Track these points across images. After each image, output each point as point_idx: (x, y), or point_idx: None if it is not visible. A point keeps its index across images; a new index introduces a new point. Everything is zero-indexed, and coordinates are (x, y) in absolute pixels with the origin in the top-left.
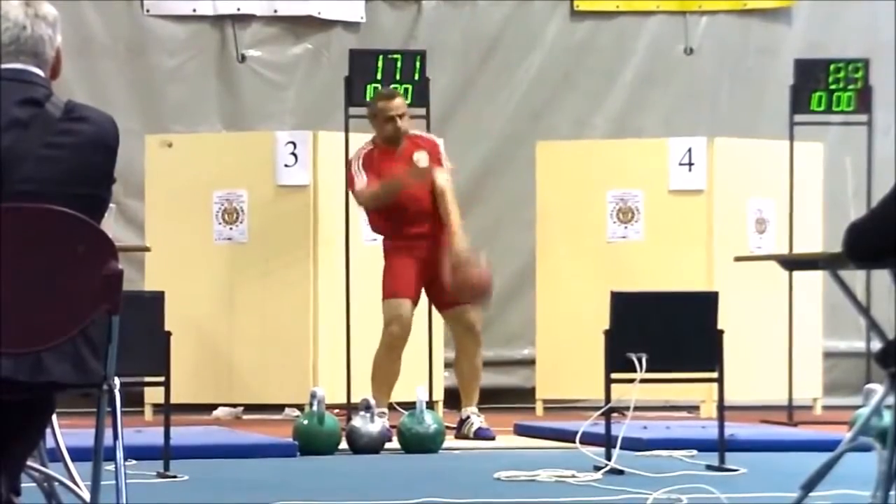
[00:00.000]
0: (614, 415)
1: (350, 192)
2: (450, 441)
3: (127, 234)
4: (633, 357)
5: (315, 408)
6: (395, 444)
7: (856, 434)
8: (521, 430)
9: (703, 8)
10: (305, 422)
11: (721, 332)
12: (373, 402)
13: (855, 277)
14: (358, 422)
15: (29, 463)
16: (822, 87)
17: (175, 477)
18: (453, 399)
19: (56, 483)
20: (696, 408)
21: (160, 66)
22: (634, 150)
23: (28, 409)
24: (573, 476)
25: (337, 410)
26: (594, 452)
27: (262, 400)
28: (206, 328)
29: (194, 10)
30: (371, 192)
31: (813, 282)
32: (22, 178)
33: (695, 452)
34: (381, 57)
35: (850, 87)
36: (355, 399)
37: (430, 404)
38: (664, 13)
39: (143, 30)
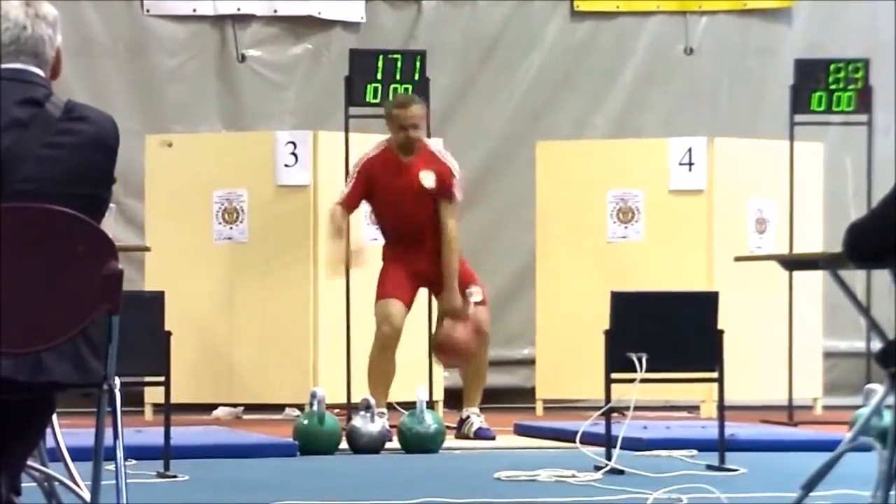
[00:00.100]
0: (614, 415)
1: None
2: (450, 441)
3: (127, 234)
4: (634, 357)
5: (315, 408)
6: (395, 444)
7: (856, 434)
8: (522, 430)
9: (703, 8)
10: (305, 422)
11: (721, 332)
12: (373, 401)
13: (855, 277)
14: (358, 422)
15: (29, 463)
16: (823, 87)
17: (175, 477)
18: (453, 399)
19: (56, 483)
20: (697, 408)
21: (160, 66)
22: (634, 150)
23: (28, 408)
24: (573, 476)
25: (337, 410)
26: (594, 452)
27: (262, 400)
28: (206, 328)
29: (194, 10)
30: (332, 214)
31: (813, 282)
32: (22, 178)
33: (695, 452)
34: (381, 57)
35: (851, 87)
36: (355, 399)
37: (431, 404)
38: (664, 13)
39: (143, 30)
